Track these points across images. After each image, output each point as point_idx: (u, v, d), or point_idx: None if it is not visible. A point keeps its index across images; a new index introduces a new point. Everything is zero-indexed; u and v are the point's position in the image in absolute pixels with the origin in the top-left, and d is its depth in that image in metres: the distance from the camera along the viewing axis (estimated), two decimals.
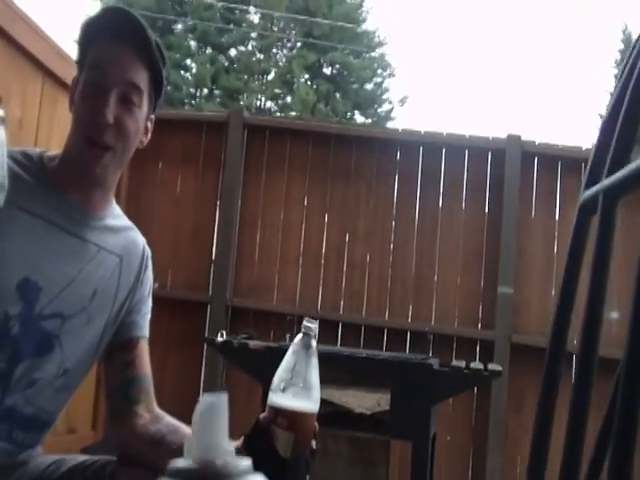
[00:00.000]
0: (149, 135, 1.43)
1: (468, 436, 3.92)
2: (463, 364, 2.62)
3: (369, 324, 4.03)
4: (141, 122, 1.36)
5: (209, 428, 0.35)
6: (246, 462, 0.36)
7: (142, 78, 1.34)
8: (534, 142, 4.04)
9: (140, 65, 1.33)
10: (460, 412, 3.91)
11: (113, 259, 1.41)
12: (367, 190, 4.18)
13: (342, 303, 4.07)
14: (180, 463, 0.36)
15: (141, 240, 1.51)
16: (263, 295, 4.14)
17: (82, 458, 1.41)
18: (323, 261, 4.16)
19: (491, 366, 2.63)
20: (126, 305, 1.43)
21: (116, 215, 1.46)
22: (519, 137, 4.02)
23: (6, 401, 1.26)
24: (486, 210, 4.07)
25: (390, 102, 21.45)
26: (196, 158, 4.28)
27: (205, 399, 0.37)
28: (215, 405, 0.35)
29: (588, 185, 0.67)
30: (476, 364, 2.69)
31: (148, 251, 1.52)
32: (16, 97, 2.90)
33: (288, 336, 3.46)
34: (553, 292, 3.93)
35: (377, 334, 4.00)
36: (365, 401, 2.67)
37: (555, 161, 3.99)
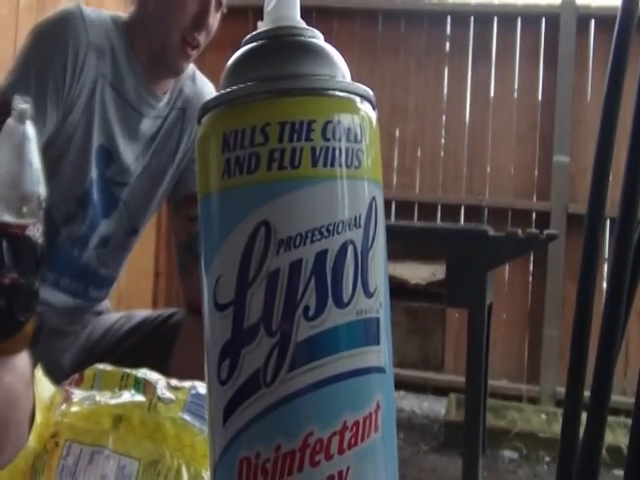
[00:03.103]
0: None
1: (524, 308, 3.96)
2: (519, 231, 2.62)
3: (422, 201, 4.04)
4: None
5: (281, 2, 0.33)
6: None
7: None
8: (590, 5, 3.87)
9: None
10: (517, 286, 3.94)
11: (175, 113, 1.44)
12: (417, 65, 4.10)
13: (394, 181, 4.08)
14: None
15: (209, 93, 1.50)
16: None
17: (149, 312, 1.51)
18: None
19: (547, 231, 2.63)
20: (187, 156, 1.48)
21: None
22: (574, 0, 3.85)
23: (83, 259, 1.36)
24: (540, 79, 3.96)
25: None
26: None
27: None
28: None
29: None
30: (532, 230, 2.69)
31: None
32: None
33: None
34: None
35: (431, 211, 4.01)
36: (420, 272, 2.71)
37: (613, 23, 3.81)
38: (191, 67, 1.48)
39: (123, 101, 1.35)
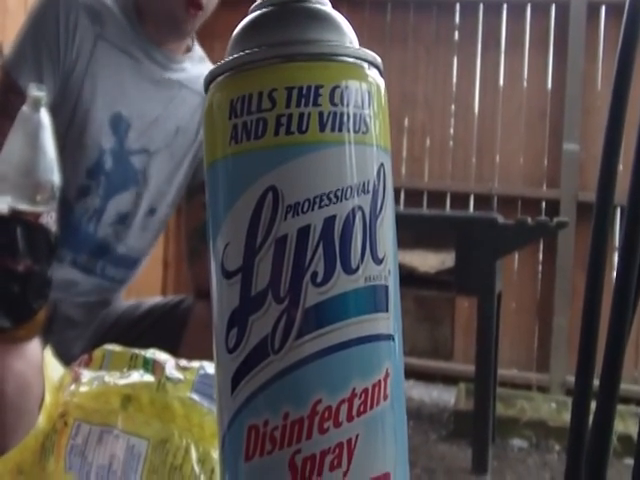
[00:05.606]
0: None
1: (534, 297, 3.95)
2: (529, 218, 2.61)
3: (431, 189, 4.03)
4: None
5: None
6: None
7: None
8: None
9: None
10: (526, 274, 3.93)
11: (195, 98, 1.44)
12: (426, 54, 4.08)
13: (403, 169, 4.07)
14: None
15: None
16: None
17: (158, 299, 1.52)
18: None
19: (557, 218, 2.62)
20: None
21: (199, 58, 1.48)
22: None
23: (98, 234, 1.36)
24: (550, 67, 3.94)
25: None
26: None
27: None
28: None
29: None
30: (542, 217, 2.68)
31: None
32: None
33: None
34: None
35: (440, 199, 4.00)
36: (429, 260, 2.71)
37: (624, 10, 3.78)
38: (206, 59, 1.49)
39: (135, 62, 1.35)
